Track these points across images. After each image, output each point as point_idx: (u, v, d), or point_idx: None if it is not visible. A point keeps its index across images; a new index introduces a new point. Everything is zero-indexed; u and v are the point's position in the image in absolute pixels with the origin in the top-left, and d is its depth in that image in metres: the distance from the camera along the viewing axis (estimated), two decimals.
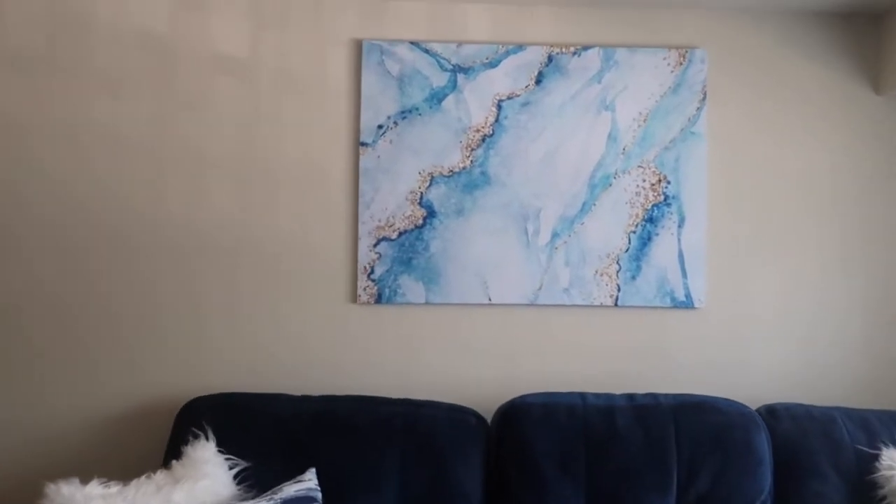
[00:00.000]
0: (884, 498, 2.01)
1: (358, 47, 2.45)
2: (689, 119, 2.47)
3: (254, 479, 2.06)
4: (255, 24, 2.44)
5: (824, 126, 2.52)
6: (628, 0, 2.42)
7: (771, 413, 2.21)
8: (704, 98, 2.47)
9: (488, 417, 2.24)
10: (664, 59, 2.47)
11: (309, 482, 1.94)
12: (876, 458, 2.07)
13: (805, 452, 2.11)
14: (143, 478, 1.93)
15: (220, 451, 2.07)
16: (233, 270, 2.44)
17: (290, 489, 1.88)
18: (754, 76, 2.51)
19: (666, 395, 2.20)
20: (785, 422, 2.18)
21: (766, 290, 2.50)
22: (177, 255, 2.42)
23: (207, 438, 2.08)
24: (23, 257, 2.39)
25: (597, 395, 2.21)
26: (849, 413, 2.22)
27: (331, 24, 2.46)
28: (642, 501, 2.03)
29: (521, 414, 2.15)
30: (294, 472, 2.04)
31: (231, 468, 2.05)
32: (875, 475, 2.05)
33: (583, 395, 2.21)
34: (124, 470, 2.03)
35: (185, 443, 2.11)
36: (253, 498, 1.92)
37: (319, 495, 1.95)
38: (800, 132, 2.52)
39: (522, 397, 2.20)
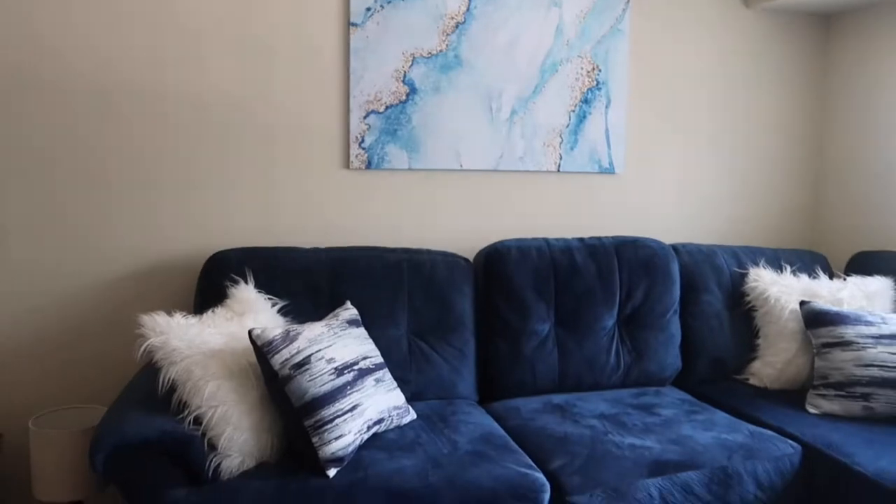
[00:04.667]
0: (750, 301, 2.85)
1: None
2: (617, 18, 3.03)
3: (292, 315, 2.41)
4: None
5: (709, 33, 3.20)
6: None
7: (674, 249, 2.94)
8: (629, 2, 3.03)
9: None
10: None
11: (352, 309, 2.33)
12: (745, 276, 2.90)
13: (699, 276, 2.89)
14: (208, 312, 2.22)
15: (259, 292, 2.39)
16: (232, 140, 2.63)
17: (345, 314, 2.26)
18: None
19: (607, 237, 2.84)
20: (683, 255, 2.92)
21: (667, 159, 3.21)
22: (174, 124, 2.56)
23: (247, 283, 2.39)
24: (22, 123, 2.41)
25: (556, 240, 2.79)
26: (724, 248, 3.02)
27: None
28: (595, 314, 2.69)
29: (502, 255, 2.68)
30: (324, 311, 2.43)
31: (273, 307, 2.38)
32: (744, 287, 2.88)
33: (546, 240, 2.78)
34: None
35: (214, 292, 2.40)
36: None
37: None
38: (694, 36, 3.18)
39: (500, 242, 2.72)
